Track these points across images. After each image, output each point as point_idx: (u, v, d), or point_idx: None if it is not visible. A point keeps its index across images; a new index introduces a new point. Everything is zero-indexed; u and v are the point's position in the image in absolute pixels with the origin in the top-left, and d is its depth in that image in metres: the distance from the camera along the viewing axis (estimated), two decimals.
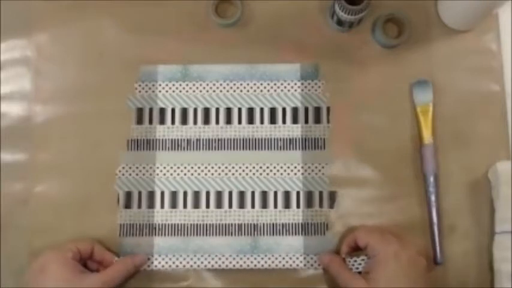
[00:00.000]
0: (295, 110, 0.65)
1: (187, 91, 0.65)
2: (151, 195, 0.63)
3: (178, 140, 0.64)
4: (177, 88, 0.65)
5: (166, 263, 0.62)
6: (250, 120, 0.65)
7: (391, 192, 0.63)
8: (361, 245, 0.59)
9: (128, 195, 0.63)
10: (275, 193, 0.63)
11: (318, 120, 0.64)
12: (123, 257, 0.61)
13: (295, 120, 0.64)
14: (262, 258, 0.62)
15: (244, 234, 0.62)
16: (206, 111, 0.65)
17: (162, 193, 0.63)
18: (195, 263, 0.62)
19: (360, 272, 0.59)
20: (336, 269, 0.59)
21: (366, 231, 0.59)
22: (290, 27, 0.66)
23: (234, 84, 0.65)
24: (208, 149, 0.64)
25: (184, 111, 0.65)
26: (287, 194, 0.63)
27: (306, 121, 0.64)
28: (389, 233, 0.59)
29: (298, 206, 0.63)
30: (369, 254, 0.58)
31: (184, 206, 0.63)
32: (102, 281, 0.57)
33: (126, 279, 0.60)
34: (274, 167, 0.64)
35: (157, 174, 0.64)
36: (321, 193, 0.63)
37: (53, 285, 0.56)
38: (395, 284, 0.55)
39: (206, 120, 0.65)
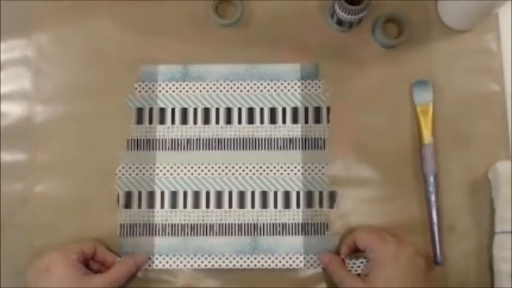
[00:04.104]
0: (295, 110, 0.65)
1: (187, 91, 0.65)
2: (151, 195, 0.63)
3: (178, 140, 0.64)
4: (177, 88, 0.65)
5: (167, 262, 0.62)
6: (250, 120, 0.65)
7: (391, 192, 0.63)
8: (360, 246, 0.59)
9: (128, 195, 0.63)
10: (275, 193, 0.63)
11: (318, 120, 0.64)
12: (125, 257, 0.61)
13: (295, 120, 0.64)
14: (262, 258, 0.62)
15: (244, 234, 0.62)
16: (206, 111, 0.65)
17: (162, 193, 0.63)
18: (195, 262, 0.62)
19: (359, 274, 0.59)
20: (335, 268, 0.59)
21: (364, 233, 0.59)
22: (290, 27, 0.66)
23: (234, 84, 0.65)
24: (208, 149, 0.64)
25: (184, 111, 0.65)
26: (287, 194, 0.63)
27: (306, 121, 0.64)
28: (388, 234, 0.59)
29: (298, 206, 0.63)
30: (368, 256, 0.58)
31: (184, 206, 0.63)
32: (106, 282, 0.57)
33: (129, 279, 0.60)
34: (274, 167, 0.64)
35: (157, 174, 0.64)
36: (321, 193, 0.63)
37: (58, 285, 0.56)
38: (394, 284, 0.55)
39: (206, 120, 0.65)
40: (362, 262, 0.60)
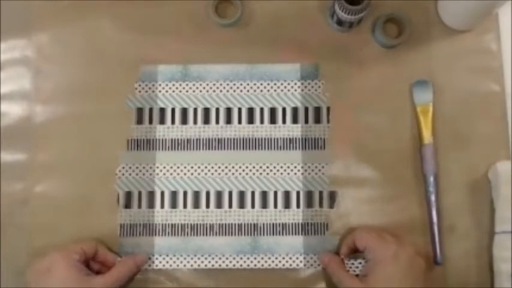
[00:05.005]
0: (295, 110, 0.65)
1: (187, 91, 0.65)
2: (151, 195, 0.63)
3: (178, 139, 0.64)
4: (177, 88, 0.65)
5: (167, 262, 0.62)
6: (250, 120, 0.65)
7: (391, 192, 0.63)
8: (360, 246, 0.59)
9: (128, 195, 0.63)
10: (275, 193, 0.63)
11: (318, 120, 0.64)
12: (125, 258, 0.61)
13: (295, 120, 0.64)
14: (262, 258, 0.62)
15: (244, 234, 0.63)
16: (206, 111, 0.65)
17: (162, 193, 0.63)
18: (195, 262, 0.62)
19: (358, 275, 0.59)
20: (335, 269, 0.59)
21: (364, 233, 0.59)
22: (290, 27, 0.66)
23: (234, 84, 0.65)
24: (208, 148, 0.64)
25: (184, 111, 0.65)
26: (287, 194, 0.63)
27: (306, 121, 0.64)
28: (388, 234, 0.59)
29: (298, 206, 0.63)
30: (367, 256, 0.58)
31: (184, 206, 0.63)
32: (107, 282, 0.57)
33: (130, 279, 0.60)
34: (274, 167, 0.64)
35: (157, 174, 0.64)
36: (321, 193, 0.63)
37: (59, 286, 0.56)
38: (394, 285, 0.55)
39: (206, 120, 0.65)
40: (360, 263, 0.60)
